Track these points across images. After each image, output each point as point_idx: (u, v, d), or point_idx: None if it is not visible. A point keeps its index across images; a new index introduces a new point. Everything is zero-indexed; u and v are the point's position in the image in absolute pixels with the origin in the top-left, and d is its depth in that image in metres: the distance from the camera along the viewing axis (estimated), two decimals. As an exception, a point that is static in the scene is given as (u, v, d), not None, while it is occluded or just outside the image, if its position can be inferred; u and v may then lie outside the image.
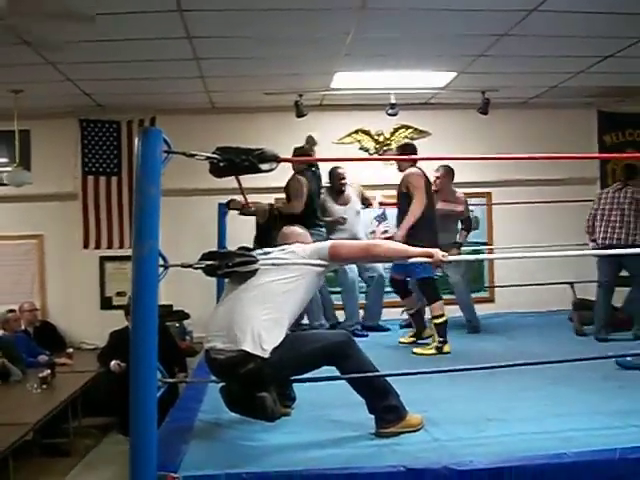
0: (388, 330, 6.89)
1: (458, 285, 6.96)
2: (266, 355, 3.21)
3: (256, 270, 3.30)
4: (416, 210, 5.83)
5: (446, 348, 5.76)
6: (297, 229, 3.93)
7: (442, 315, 5.87)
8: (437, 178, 6.76)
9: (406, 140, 8.01)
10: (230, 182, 5.25)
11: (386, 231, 7.08)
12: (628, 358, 4.58)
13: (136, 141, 2.83)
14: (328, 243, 3.55)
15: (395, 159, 6.67)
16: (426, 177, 6.08)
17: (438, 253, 3.42)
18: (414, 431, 3.37)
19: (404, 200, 5.98)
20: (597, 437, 3.18)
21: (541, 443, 3.10)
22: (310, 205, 6.34)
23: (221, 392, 3.41)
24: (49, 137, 8.22)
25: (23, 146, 7.87)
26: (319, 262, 3.43)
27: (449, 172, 6.85)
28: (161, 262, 2.87)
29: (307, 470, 2.85)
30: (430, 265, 5.20)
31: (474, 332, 6.81)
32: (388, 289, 6.83)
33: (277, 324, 3.31)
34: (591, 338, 6.24)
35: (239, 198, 6.36)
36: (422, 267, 5.60)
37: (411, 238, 5.23)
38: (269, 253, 3.52)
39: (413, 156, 6.06)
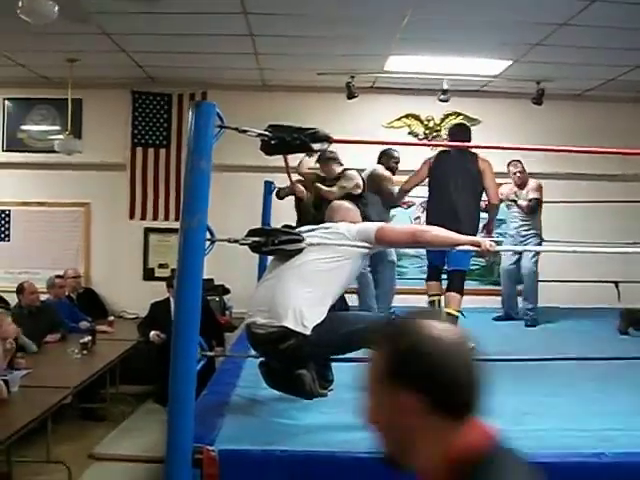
0: None
1: (530, 274, 6.96)
2: (307, 332, 3.21)
3: (301, 249, 3.30)
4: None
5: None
6: (346, 204, 3.92)
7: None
8: (520, 172, 7.03)
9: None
10: (278, 160, 5.28)
11: None
12: None
13: (189, 114, 2.84)
14: (375, 225, 3.52)
15: (445, 145, 6.60)
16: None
17: (485, 242, 3.38)
18: None
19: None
20: (637, 438, 3.13)
21: (579, 441, 3.06)
22: None
23: (260, 367, 3.43)
24: (101, 107, 8.29)
25: (75, 115, 7.97)
26: (364, 244, 3.42)
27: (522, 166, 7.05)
28: (208, 236, 2.88)
29: (341, 452, 2.85)
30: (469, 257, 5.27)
31: (532, 325, 6.77)
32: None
33: (319, 302, 3.31)
34: (635, 339, 6.12)
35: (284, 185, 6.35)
36: (468, 257, 5.60)
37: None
38: (314, 230, 3.52)
39: (464, 143, 5.97)
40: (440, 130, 8.44)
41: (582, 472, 2.85)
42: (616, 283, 7.63)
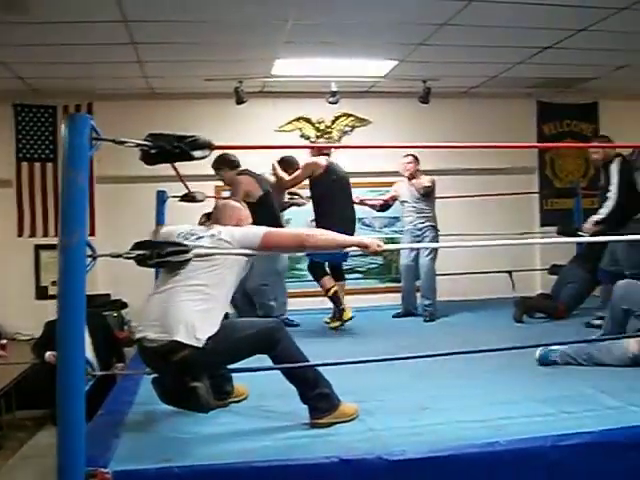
0: (297, 325, 6.75)
1: (427, 270, 7.03)
2: (200, 344, 3.16)
3: (189, 259, 3.24)
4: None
5: (348, 314, 6.20)
6: (231, 203, 3.89)
7: (333, 286, 6.27)
8: (408, 163, 7.09)
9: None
10: (169, 169, 5.18)
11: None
12: (554, 347, 4.59)
13: (62, 127, 2.74)
14: (261, 231, 3.47)
15: (333, 147, 6.72)
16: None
17: (373, 242, 3.40)
18: (348, 421, 3.37)
19: None
20: (530, 425, 3.22)
21: (474, 432, 3.12)
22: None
23: (153, 383, 3.34)
24: (-18, 122, 7.97)
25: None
26: (246, 251, 3.40)
27: (416, 159, 7.12)
28: (89, 252, 2.78)
29: (240, 463, 2.81)
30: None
31: (431, 320, 6.88)
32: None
33: (210, 313, 3.27)
34: (529, 325, 6.31)
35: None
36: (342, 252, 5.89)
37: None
38: (201, 238, 3.46)
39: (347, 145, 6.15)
40: (332, 132, 8.50)
41: (478, 462, 2.90)
42: (510, 273, 7.87)
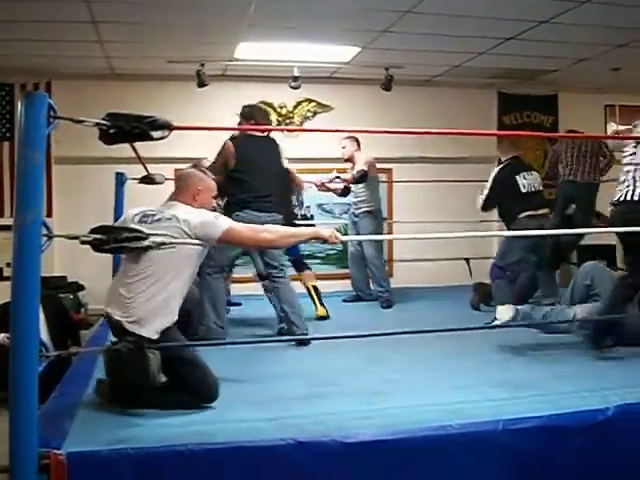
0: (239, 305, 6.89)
1: (372, 258, 7.03)
2: (153, 336, 3.26)
3: (146, 247, 3.22)
4: None
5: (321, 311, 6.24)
6: (193, 172, 3.75)
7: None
8: (343, 147, 7.06)
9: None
10: (129, 150, 5.12)
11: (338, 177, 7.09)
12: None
13: (18, 104, 2.69)
14: (222, 226, 3.42)
15: (296, 130, 6.70)
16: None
17: (332, 234, 3.40)
18: None
19: None
20: (484, 409, 3.27)
21: (429, 415, 3.16)
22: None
23: (104, 353, 3.43)
24: (-64, 98, 7.79)
25: None
26: (201, 243, 3.41)
27: (356, 141, 7.06)
28: (45, 232, 2.75)
29: (195, 444, 2.81)
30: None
31: (388, 307, 6.91)
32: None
33: (166, 305, 3.35)
34: (486, 313, 6.38)
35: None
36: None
37: None
38: (159, 221, 3.44)
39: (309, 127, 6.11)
40: (293, 117, 8.50)
41: (431, 445, 2.95)
42: (467, 260, 7.95)
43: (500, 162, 6.42)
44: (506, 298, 5.69)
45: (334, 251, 8.47)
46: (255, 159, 5.30)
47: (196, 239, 3.39)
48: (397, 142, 7.80)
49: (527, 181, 6.07)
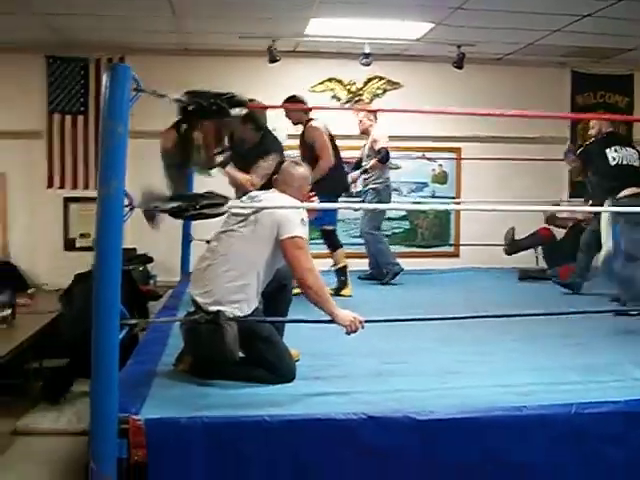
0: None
1: (367, 243, 7.01)
2: (239, 313, 3.33)
3: (224, 212, 3.26)
4: (323, 168, 5.95)
5: (347, 291, 6.17)
6: (302, 171, 3.79)
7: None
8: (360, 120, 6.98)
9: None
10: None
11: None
12: None
13: (104, 77, 2.74)
14: (291, 232, 3.41)
15: (366, 110, 6.69)
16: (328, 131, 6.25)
17: (352, 323, 3.35)
18: None
19: (310, 152, 6.07)
20: (556, 392, 3.22)
21: (501, 397, 3.14)
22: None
23: (181, 326, 3.50)
24: (14, 73, 7.95)
25: (-13, 81, 7.66)
26: (268, 239, 3.43)
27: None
28: (127, 202, 2.82)
29: (271, 416, 2.85)
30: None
31: (383, 283, 6.85)
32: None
33: (242, 287, 3.39)
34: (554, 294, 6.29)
35: None
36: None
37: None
38: (260, 201, 3.52)
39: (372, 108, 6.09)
40: (362, 94, 8.44)
41: (504, 426, 2.93)
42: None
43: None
44: None
45: (401, 229, 8.45)
46: None
47: (271, 229, 3.42)
48: (467, 121, 7.71)
49: (618, 154, 5.83)
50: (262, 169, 5.27)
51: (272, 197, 3.64)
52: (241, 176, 5.27)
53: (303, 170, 3.80)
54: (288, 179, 3.72)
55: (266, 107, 5.98)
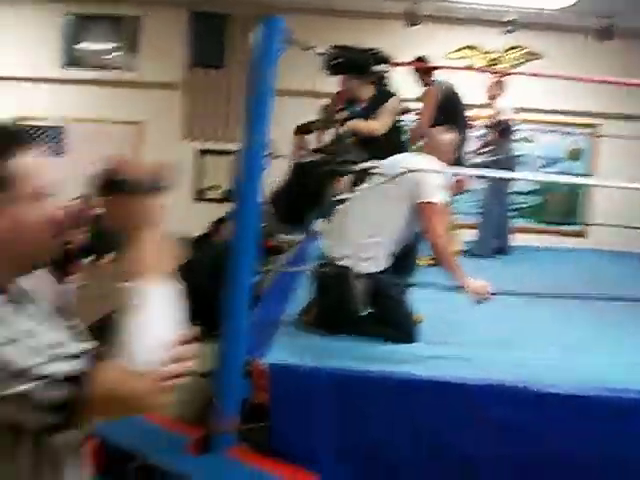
0: None
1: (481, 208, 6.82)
2: (370, 270, 3.34)
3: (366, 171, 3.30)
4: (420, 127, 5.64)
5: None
6: (450, 136, 3.78)
7: None
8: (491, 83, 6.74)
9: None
10: (331, 85, 5.16)
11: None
12: None
13: (255, 30, 2.80)
14: (432, 196, 3.39)
15: (508, 74, 6.55)
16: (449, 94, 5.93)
17: (483, 289, 3.31)
18: None
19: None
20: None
21: (628, 376, 3.03)
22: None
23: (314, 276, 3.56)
24: (158, 26, 8.24)
25: (132, 32, 7.94)
26: (405, 200, 3.41)
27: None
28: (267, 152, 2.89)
29: (394, 374, 2.89)
30: None
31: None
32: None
33: (375, 248, 3.41)
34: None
35: None
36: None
37: None
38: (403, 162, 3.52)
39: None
40: (501, 62, 8.23)
41: (631, 408, 2.84)
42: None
43: None
44: None
45: (532, 205, 8.26)
46: None
47: (410, 190, 3.41)
48: (608, 96, 7.39)
49: None
50: (385, 113, 5.10)
51: (417, 160, 3.64)
52: (364, 125, 5.11)
53: (450, 136, 3.80)
54: (435, 143, 3.73)
55: (410, 64, 5.92)
